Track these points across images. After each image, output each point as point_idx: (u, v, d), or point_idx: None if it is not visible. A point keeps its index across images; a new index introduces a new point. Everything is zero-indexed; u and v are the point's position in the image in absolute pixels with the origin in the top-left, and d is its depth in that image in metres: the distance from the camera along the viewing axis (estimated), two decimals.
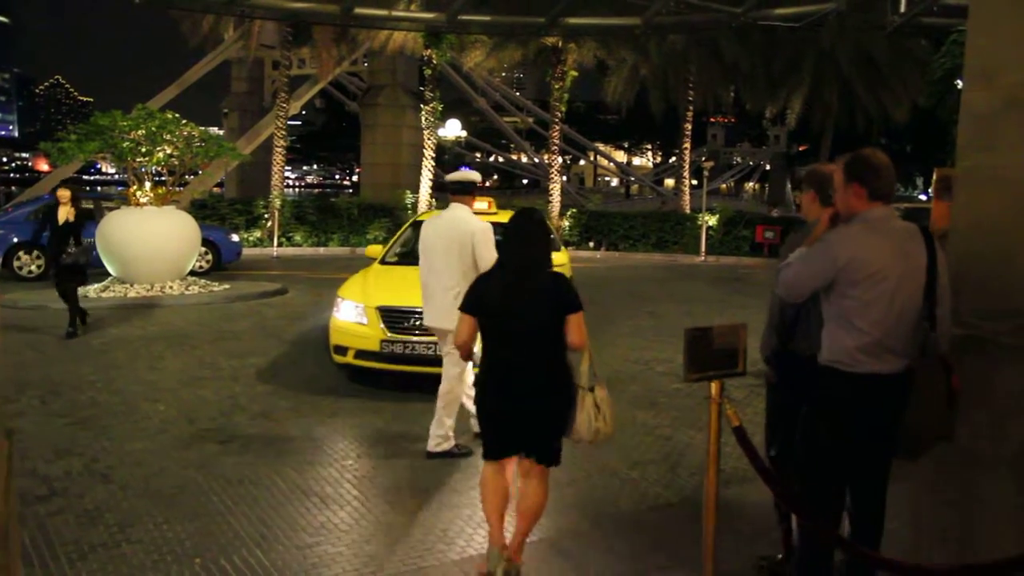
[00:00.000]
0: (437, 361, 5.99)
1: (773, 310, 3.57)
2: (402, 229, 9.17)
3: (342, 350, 7.09)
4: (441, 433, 5.40)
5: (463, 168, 7.15)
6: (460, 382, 5.44)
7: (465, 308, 3.76)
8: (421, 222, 8.88)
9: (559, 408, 3.61)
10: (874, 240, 3.00)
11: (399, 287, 7.22)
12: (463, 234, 5.31)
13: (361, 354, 6.95)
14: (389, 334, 6.79)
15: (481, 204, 8.28)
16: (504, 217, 8.09)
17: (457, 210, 5.49)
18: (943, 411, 2.99)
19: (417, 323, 6.52)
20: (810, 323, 3.36)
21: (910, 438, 3.04)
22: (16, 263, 14.03)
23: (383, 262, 8.27)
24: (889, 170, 3.09)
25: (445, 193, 6.09)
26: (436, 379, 5.54)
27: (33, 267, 13.96)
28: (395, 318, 6.83)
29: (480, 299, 3.74)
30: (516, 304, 3.63)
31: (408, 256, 8.33)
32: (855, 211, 3.09)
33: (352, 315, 7.05)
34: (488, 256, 5.05)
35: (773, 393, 3.75)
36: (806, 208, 3.65)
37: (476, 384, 3.81)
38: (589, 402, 3.58)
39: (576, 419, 3.58)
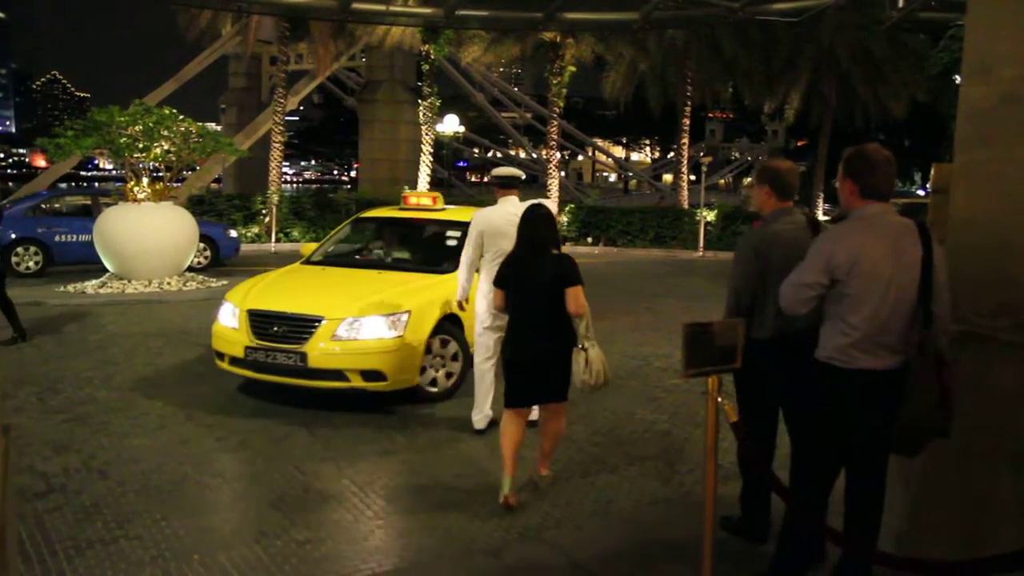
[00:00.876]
0: (297, 372, 6.10)
1: (731, 297, 3.84)
2: (340, 227, 8.70)
3: (220, 355, 6.64)
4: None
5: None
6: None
7: (495, 283, 4.80)
8: (363, 219, 8.68)
9: (559, 353, 4.49)
10: (867, 237, 3.04)
11: (286, 290, 6.86)
12: None
13: (233, 360, 6.48)
14: (255, 340, 6.29)
15: (425, 200, 8.07)
16: (453, 214, 7.84)
17: (511, 203, 5.74)
18: (936, 408, 2.99)
19: (282, 330, 6.20)
20: (765, 310, 3.66)
21: (905, 434, 3.06)
22: (15, 259, 14.03)
23: (307, 262, 7.79)
24: (887, 167, 3.10)
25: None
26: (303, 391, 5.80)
27: (31, 263, 13.95)
28: (261, 323, 6.34)
29: (504, 274, 4.73)
30: (527, 277, 4.58)
31: (340, 257, 8.04)
32: (850, 207, 3.15)
33: (227, 319, 6.61)
34: None
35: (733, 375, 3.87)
36: (761, 202, 3.86)
37: (504, 342, 4.81)
38: (581, 359, 4.44)
39: (572, 372, 4.46)
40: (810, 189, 27.80)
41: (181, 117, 12.66)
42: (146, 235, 11.89)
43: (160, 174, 12.89)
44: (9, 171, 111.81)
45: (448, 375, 6.71)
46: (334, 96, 41.53)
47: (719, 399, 3.10)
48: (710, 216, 21.45)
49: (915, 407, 2.99)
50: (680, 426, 6.14)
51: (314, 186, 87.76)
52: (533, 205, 4.85)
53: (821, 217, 25.59)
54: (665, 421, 6.28)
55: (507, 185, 5.90)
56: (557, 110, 24.32)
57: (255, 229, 20.95)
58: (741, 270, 3.79)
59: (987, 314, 3.15)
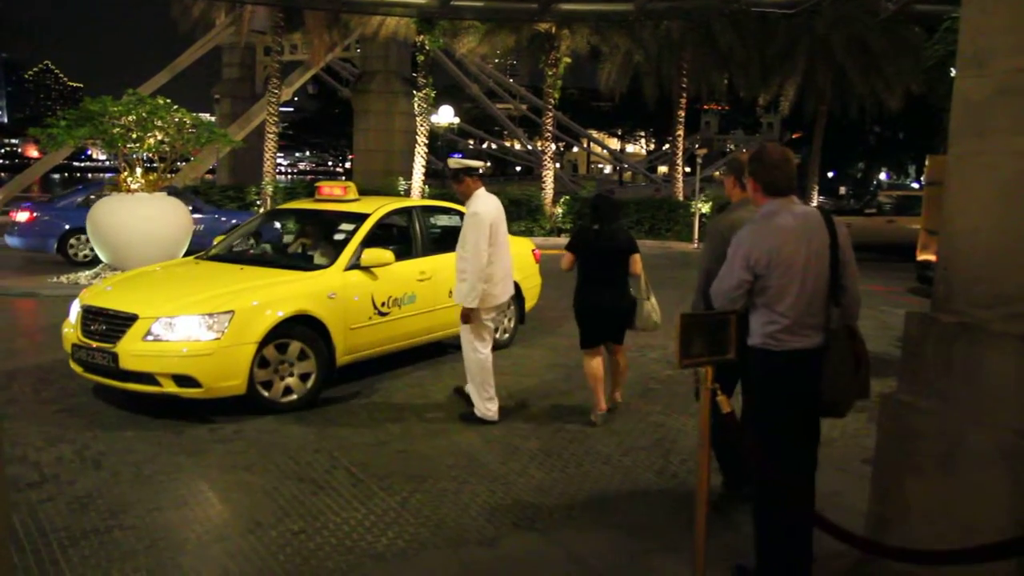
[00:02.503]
0: (110, 373, 5.82)
1: (701, 277, 4.22)
2: (251, 221, 8.30)
3: (68, 353, 6.32)
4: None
5: (455, 155, 7.12)
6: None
7: (569, 247, 6.00)
8: (277, 211, 8.39)
9: (628, 304, 5.94)
10: (777, 231, 3.32)
11: (134, 286, 6.55)
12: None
13: (73, 358, 6.23)
14: (80, 338, 6.03)
15: (335, 190, 7.78)
16: (363, 206, 7.44)
17: (485, 193, 6.00)
18: (853, 375, 3.33)
19: (100, 328, 5.95)
20: None
21: (831, 399, 3.36)
22: (70, 249, 14.06)
23: (202, 256, 7.43)
24: (784, 165, 3.40)
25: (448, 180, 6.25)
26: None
27: (87, 251, 13.92)
28: (87, 319, 6.08)
29: (582, 242, 5.94)
30: (605, 245, 5.83)
31: (233, 253, 7.50)
32: (758, 204, 3.49)
33: (72, 313, 6.37)
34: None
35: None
36: (728, 191, 4.43)
37: (575, 294, 5.97)
38: (647, 306, 5.95)
39: (638, 316, 5.93)
40: (804, 181, 27.83)
41: (175, 107, 12.58)
42: (139, 225, 11.81)
43: (154, 164, 12.83)
44: (1, 161, 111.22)
45: (304, 377, 6.15)
46: (329, 87, 41.45)
47: (713, 390, 3.11)
48: (705, 208, 21.44)
49: (836, 376, 3.30)
50: (674, 417, 6.16)
51: (308, 177, 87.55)
52: (606, 191, 6.45)
53: None
54: (659, 412, 6.29)
55: (473, 173, 6.02)
56: (552, 101, 24.24)
57: None
58: (709, 252, 4.22)
59: (980, 305, 3.17)
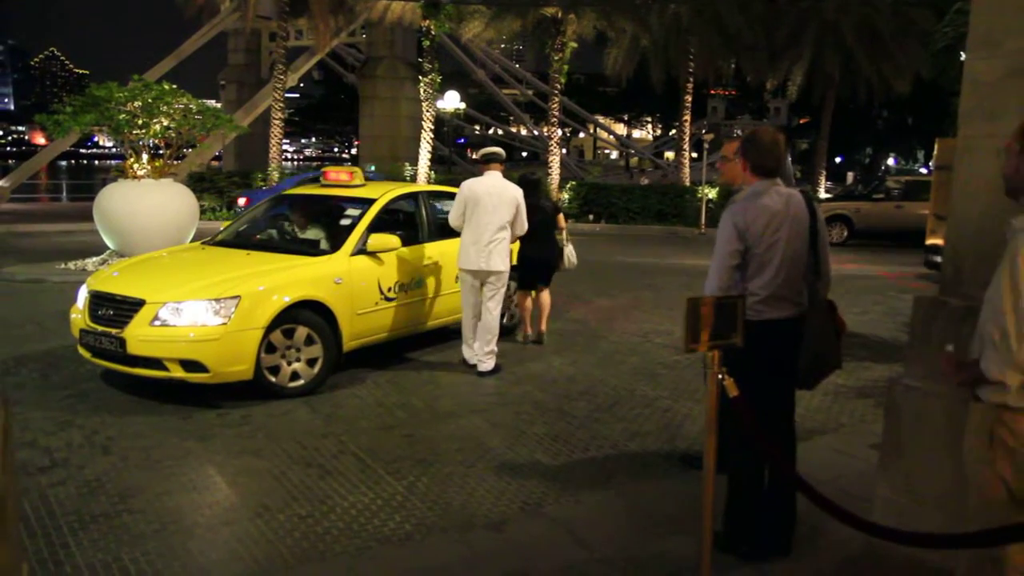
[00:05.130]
0: (118, 359, 5.84)
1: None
2: (257, 206, 8.30)
3: (75, 339, 6.35)
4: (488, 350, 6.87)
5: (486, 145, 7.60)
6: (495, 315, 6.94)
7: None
8: (284, 196, 8.46)
9: (554, 256, 7.89)
10: (763, 208, 3.54)
11: (143, 271, 6.56)
12: (511, 197, 6.85)
13: (80, 342, 6.28)
14: (89, 323, 6.06)
15: (342, 175, 7.79)
16: (369, 191, 7.46)
17: (492, 176, 6.89)
18: (833, 345, 3.60)
19: (108, 313, 5.97)
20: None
21: (808, 368, 3.59)
22: None
23: (209, 242, 7.41)
24: (774, 148, 3.62)
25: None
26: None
27: None
28: (95, 305, 6.11)
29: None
30: (538, 214, 7.47)
31: (241, 238, 7.46)
32: (747, 183, 3.69)
33: (80, 299, 6.40)
34: (522, 217, 6.95)
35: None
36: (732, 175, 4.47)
37: (518, 252, 7.60)
38: (567, 251, 8.02)
39: (559, 261, 7.92)
40: (811, 166, 27.67)
41: (181, 93, 12.56)
42: (146, 212, 11.84)
43: (160, 151, 12.83)
44: (8, 148, 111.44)
45: (311, 362, 6.18)
46: (334, 73, 41.20)
47: (720, 374, 3.10)
48: (712, 194, 21.35)
49: (816, 346, 3.54)
50: (681, 402, 6.16)
51: (315, 163, 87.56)
52: (530, 174, 8.21)
53: (823, 195, 25.52)
54: (666, 397, 6.29)
55: (491, 160, 6.97)
56: (558, 87, 24.13)
57: None
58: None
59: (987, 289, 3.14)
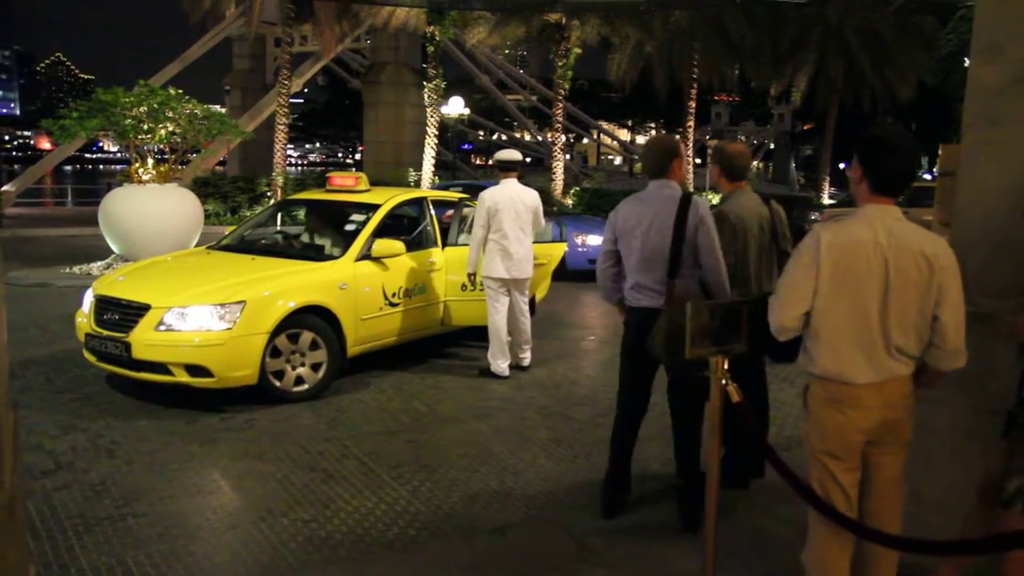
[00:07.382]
0: (123, 363, 5.85)
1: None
2: (262, 210, 8.24)
3: (81, 343, 6.38)
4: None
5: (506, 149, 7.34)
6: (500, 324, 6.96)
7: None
8: (289, 201, 8.46)
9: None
10: (633, 206, 4.11)
11: (148, 275, 6.58)
12: (531, 203, 6.88)
13: (86, 347, 6.27)
14: (94, 328, 6.08)
15: (347, 180, 7.80)
16: (374, 196, 7.42)
17: (511, 184, 6.90)
18: (675, 338, 3.66)
19: (113, 317, 5.98)
20: (761, 270, 4.42)
21: (655, 353, 3.90)
22: None
23: (214, 247, 7.40)
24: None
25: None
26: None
27: None
28: (101, 309, 6.12)
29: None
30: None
31: (245, 242, 7.46)
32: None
33: (85, 303, 6.41)
34: (540, 220, 7.03)
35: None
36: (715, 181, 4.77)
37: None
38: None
39: None
40: (815, 172, 27.67)
41: (186, 98, 12.61)
42: (151, 217, 11.87)
43: (165, 156, 12.87)
44: (14, 153, 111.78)
45: (315, 367, 6.19)
46: (339, 78, 41.26)
47: (723, 378, 3.10)
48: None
49: (657, 331, 3.81)
50: None
51: (319, 168, 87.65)
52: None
53: (827, 201, 25.49)
54: (666, 402, 6.26)
55: (508, 168, 6.97)
56: (562, 92, 24.14)
57: (260, 211, 20.93)
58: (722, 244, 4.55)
59: (993, 295, 3.15)
